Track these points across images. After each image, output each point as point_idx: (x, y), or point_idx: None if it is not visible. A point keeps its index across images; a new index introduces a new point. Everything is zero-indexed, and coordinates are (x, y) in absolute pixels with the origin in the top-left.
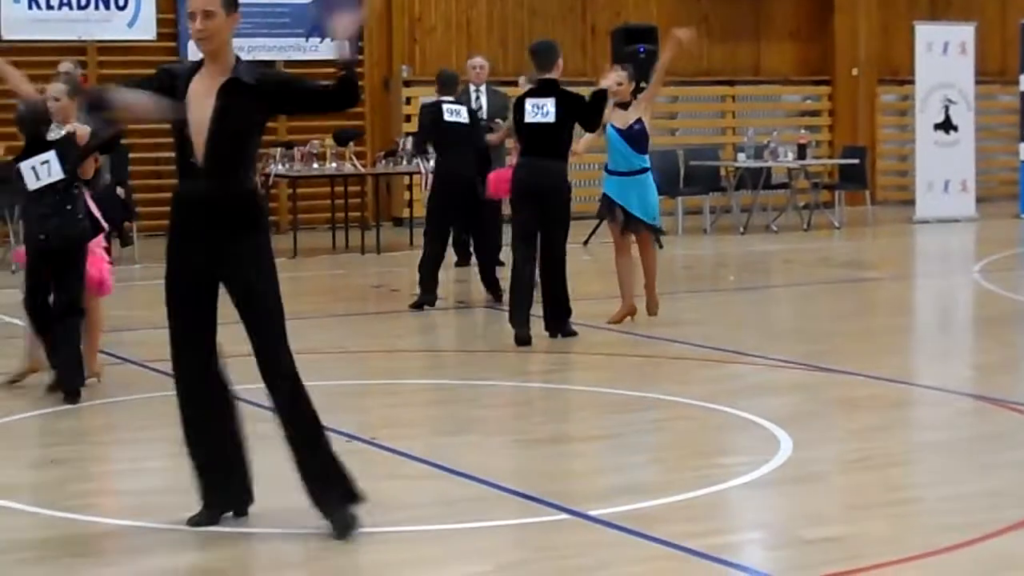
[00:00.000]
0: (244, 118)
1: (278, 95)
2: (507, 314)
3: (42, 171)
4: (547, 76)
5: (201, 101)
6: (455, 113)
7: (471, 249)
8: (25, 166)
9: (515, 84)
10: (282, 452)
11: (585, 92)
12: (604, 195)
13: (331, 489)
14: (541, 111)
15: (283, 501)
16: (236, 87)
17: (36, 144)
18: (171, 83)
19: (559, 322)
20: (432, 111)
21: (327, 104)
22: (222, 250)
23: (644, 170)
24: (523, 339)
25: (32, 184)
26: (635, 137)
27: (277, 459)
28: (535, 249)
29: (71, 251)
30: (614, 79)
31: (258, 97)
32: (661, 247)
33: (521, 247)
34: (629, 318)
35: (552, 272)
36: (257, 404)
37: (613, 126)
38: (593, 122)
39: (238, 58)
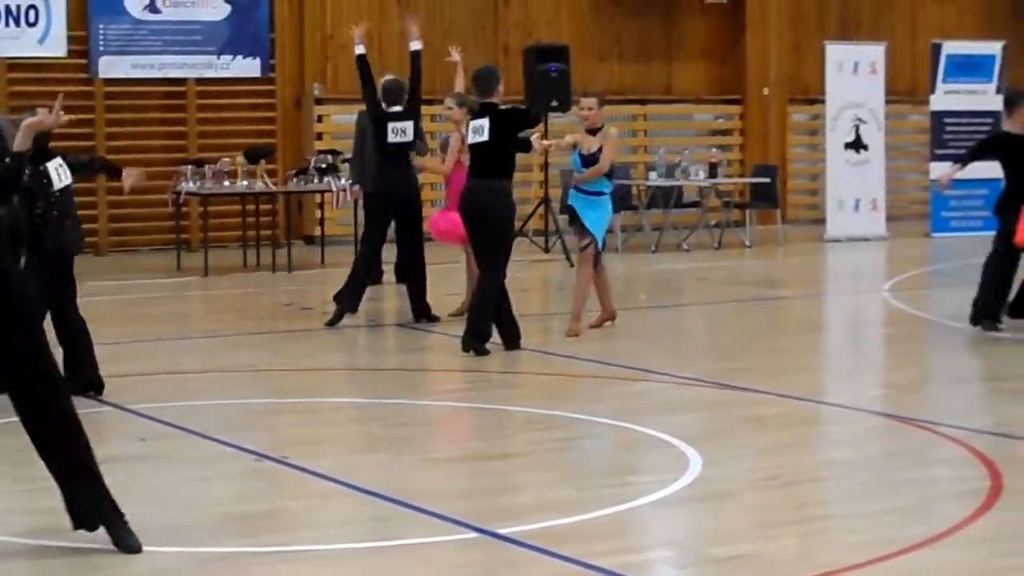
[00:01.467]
0: None
1: None
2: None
3: (62, 173)
4: (488, 101)
5: None
6: (400, 132)
7: (385, 268)
8: (51, 166)
9: (428, 103)
10: (177, 471)
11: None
12: (570, 206)
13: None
14: (479, 132)
15: (183, 519)
16: None
17: (43, 152)
18: None
19: (476, 338)
20: (377, 120)
21: None
22: None
23: (602, 193)
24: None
25: (57, 185)
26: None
27: (172, 479)
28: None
29: (76, 254)
30: (585, 104)
31: None
32: (572, 265)
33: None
34: (609, 322)
35: (479, 298)
36: (157, 419)
37: (579, 152)
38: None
39: None
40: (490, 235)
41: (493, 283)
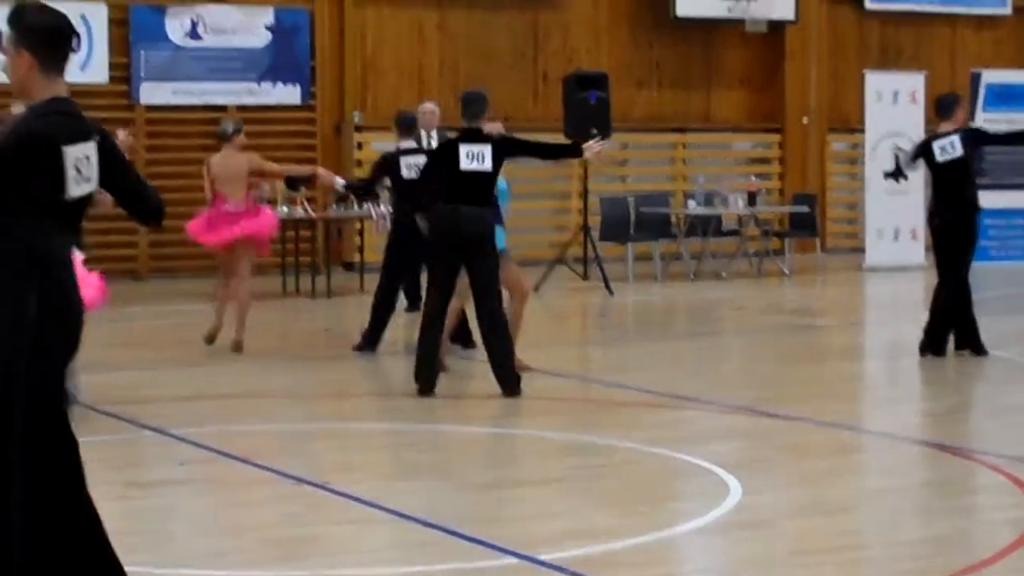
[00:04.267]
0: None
1: None
2: (415, 367)
3: None
4: (474, 126)
5: None
6: (412, 168)
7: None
8: None
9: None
10: (217, 496)
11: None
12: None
13: None
14: (477, 159)
15: (225, 543)
16: None
17: None
18: None
19: (511, 382)
20: (389, 164)
21: None
22: None
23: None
24: (428, 390)
25: None
26: None
27: (213, 503)
28: (448, 301)
29: None
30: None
31: None
32: (612, 293)
33: (438, 297)
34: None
35: (492, 325)
36: (196, 443)
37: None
38: (543, 152)
39: (45, 101)
40: (488, 262)
41: (499, 316)
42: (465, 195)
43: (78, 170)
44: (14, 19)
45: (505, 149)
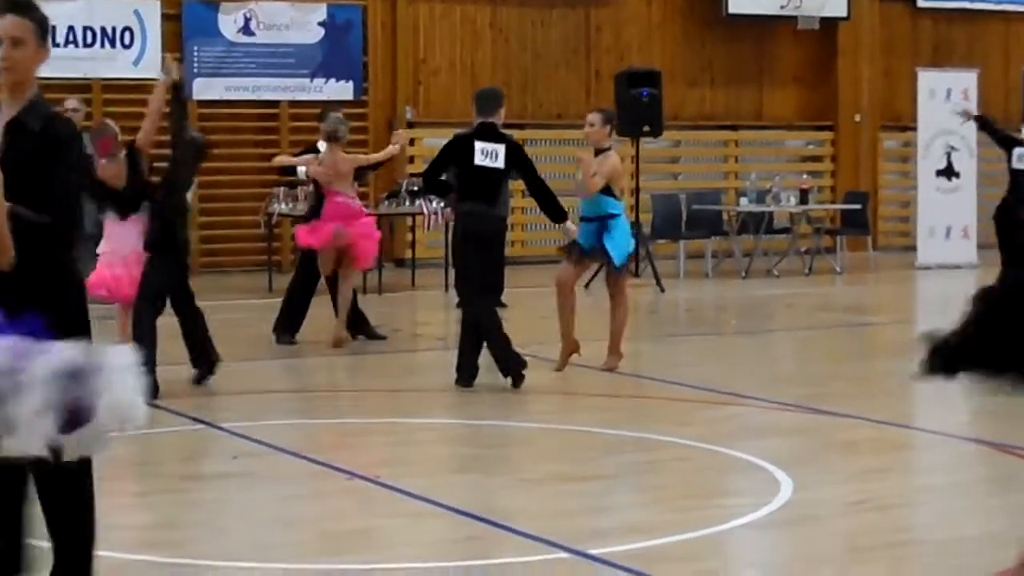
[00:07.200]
0: (30, 165)
1: (54, 153)
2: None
3: None
4: (489, 120)
5: None
6: (490, 155)
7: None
8: None
9: (520, 127)
10: (269, 489)
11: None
12: (578, 243)
13: None
14: (491, 156)
15: (276, 536)
16: (19, 129)
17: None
18: None
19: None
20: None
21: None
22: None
23: (614, 216)
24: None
25: None
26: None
27: (264, 497)
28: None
29: None
30: (588, 120)
31: (42, 144)
32: (663, 290)
33: (475, 295)
34: (576, 354)
35: (487, 315)
36: (248, 438)
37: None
38: (536, 188)
39: (36, 97)
40: (496, 262)
41: (495, 309)
42: (480, 192)
43: None
44: (37, 11)
45: (514, 156)
